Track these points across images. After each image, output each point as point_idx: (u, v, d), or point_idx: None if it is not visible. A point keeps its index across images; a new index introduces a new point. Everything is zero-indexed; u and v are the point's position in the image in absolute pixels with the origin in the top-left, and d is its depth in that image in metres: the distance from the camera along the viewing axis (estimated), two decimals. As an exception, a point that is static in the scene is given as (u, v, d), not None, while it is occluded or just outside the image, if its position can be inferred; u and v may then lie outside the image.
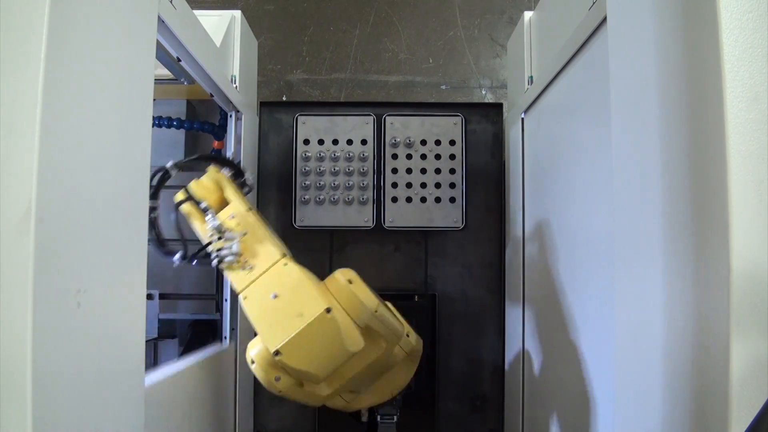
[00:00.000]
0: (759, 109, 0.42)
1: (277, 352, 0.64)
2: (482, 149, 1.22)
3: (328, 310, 0.65)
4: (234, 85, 1.05)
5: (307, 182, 1.16)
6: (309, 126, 1.17)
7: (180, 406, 0.78)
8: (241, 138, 1.07)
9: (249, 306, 0.69)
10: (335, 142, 1.17)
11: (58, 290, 0.46)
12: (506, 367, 1.17)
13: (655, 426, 0.52)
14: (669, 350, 0.50)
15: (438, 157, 1.16)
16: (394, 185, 1.16)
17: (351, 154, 1.16)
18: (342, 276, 0.72)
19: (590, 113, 0.74)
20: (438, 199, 1.16)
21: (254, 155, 1.18)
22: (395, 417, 0.96)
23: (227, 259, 0.72)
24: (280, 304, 0.68)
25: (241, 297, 0.70)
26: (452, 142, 1.17)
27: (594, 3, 0.69)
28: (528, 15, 1.07)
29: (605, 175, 0.65)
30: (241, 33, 1.07)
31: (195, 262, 0.75)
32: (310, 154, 1.17)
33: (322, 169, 1.16)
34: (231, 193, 0.79)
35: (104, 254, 0.53)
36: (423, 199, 1.16)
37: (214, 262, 0.72)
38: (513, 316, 1.12)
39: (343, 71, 1.53)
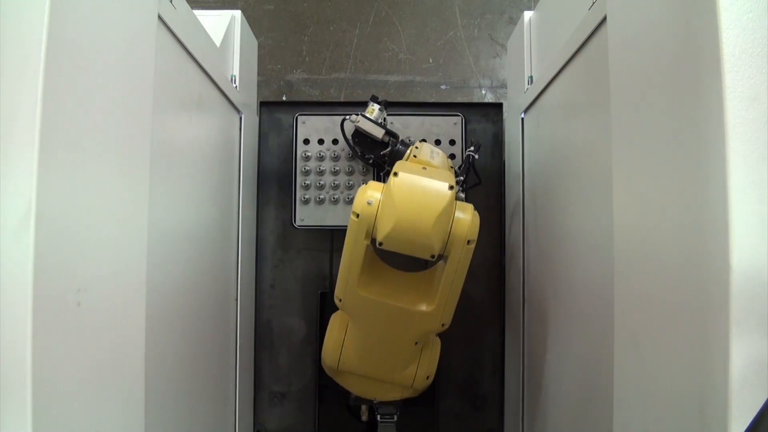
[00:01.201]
0: (759, 109, 0.42)
1: (396, 173, 0.72)
2: (482, 149, 1.22)
3: (450, 187, 0.72)
4: (234, 85, 1.05)
5: (307, 182, 1.16)
6: (309, 126, 1.17)
7: (180, 405, 0.78)
8: (241, 138, 1.07)
9: (401, 163, 0.78)
10: (335, 141, 1.17)
11: (58, 290, 0.46)
12: (506, 367, 1.17)
13: (654, 426, 0.52)
14: (668, 350, 0.50)
15: (438, 156, 1.16)
16: (394, 185, 1.16)
17: (351, 154, 1.16)
18: (473, 209, 0.78)
19: (590, 113, 0.74)
20: (438, 199, 1.16)
21: (254, 155, 1.18)
22: (395, 416, 0.96)
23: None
24: (425, 171, 0.75)
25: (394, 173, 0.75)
26: (452, 142, 1.17)
27: (594, 3, 0.69)
28: (528, 15, 1.07)
29: (605, 175, 0.64)
30: (241, 33, 1.07)
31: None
32: (310, 154, 1.17)
33: (322, 168, 1.16)
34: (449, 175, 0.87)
35: (104, 254, 0.53)
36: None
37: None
38: (513, 316, 1.12)
39: (343, 71, 1.53)
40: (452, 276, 0.77)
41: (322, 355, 0.89)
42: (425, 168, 0.76)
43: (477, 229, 0.76)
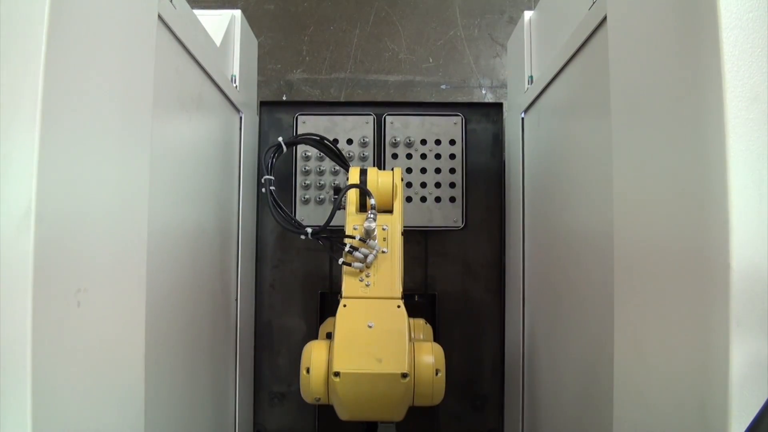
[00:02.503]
0: (759, 109, 0.42)
1: (337, 373, 0.64)
2: (482, 149, 1.22)
3: (404, 376, 0.64)
4: (234, 85, 1.05)
5: (307, 182, 1.16)
6: (309, 125, 1.17)
7: (180, 405, 0.78)
8: (241, 137, 1.07)
9: (343, 316, 0.68)
10: (335, 141, 1.17)
11: (58, 290, 0.46)
12: (506, 367, 1.17)
13: (654, 426, 0.52)
14: (668, 350, 0.50)
15: (438, 156, 1.16)
16: (394, 185, 1.16)
17: (351, 154, 1.16)
18: (433, 366, 0.69)
19: (590, 113, 0.74)
20: (438, 199, 1.16)
21: (254, 155, 1.18)
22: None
23: (355, 264, 0.71)
24: (370, 335, 0.67)
25: (342, 302, 0.69)
26: (452, 142, 1.17)
27: (594, 2, 0.69)
28: (528, 14, 1.07)
29: (605, 175, 0.64)
30: (241, 32, 1.07)
31: (320, 242, 0.75)
32: (310, 154, 1.17)
33: (322, 168, 1.16)
34: (398, 208, 0.78)
35: (104, 254, 0.53)
36: (423, 199, 1.16)
37: (341, 260, 0.72)
38: (513, 316, 1.12)
39: (343, 71, 1.53)
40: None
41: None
42: (370, 326, 0.67)
43: (441, 394, 0.69)
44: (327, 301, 1.20)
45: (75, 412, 0.49)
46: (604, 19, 0.65)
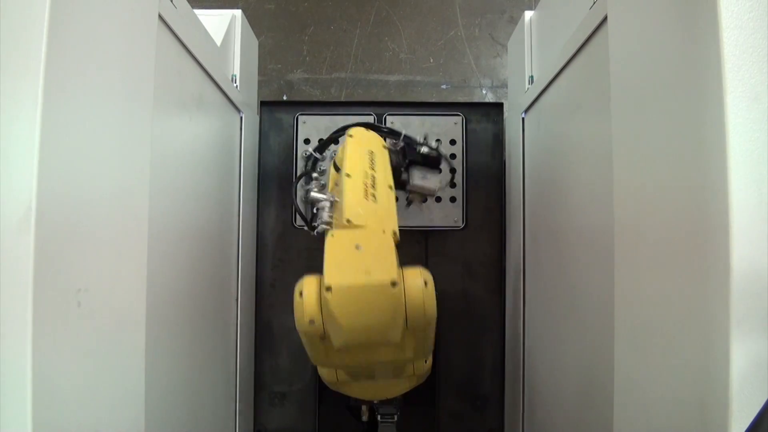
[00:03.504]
0: (759, 109, 0.42)
1: (329, 288, 0.64)
2: (483, 149, 1.22)
3: (393, 284, 0.64)
4: (234, 85, 1.05)
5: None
6: (309, 125, 1.17)
7: (180, 405, 0.78)
8: (241, 137, 1.07)
9: (331, 242, 0.69)
10: (336, 141, 1.16)
11: (58, 290, 0.46)
12: (506, 367, 1.17)
13: (654, 426, 0.52)
14: (669, 350, 0.50)
15: (438, 156, 1.16)
16: (395, 185, 1.16)
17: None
18: (421, 275, 0.70)
19: (591, 113, 0.74)
20: (438, 199, 1.16)
21: (255, 155, 1.18)
22: (395, 416, 0.96)
23: (323, 220, 0.74)
24: (358, 255, 0.67)
25: (329, 233, 0.70)
26: (453, 142, 1.17)
27: (594, 2, 0.69)
28: (528, 14, 1.07)
29: (606, 175, 0.64)
30: (242, 32, 1.07)
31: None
32: (310, 154, 1.17)
33: (322, 168, 1.16)
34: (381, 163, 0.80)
35: (104, 254, 0.53)
36: (423, 199, 1.16)
37: (318, 225, 0.75)
38: (513, 315, 1.12)
39: (343, 70, 1.53)
40: (422, 340, 0.73)
41: (319, 372, 0.89)
42: (358, 247, 0.68)
43: (434, 309, 0.69)
44: (327, 301, 1.20)
45: (75, 411, 0.49)
46: (605, 19, 0.65)
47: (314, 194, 0.76)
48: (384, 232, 0.71)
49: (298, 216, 0.77)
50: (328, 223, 0.75)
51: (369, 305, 0.64)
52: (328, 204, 0.75)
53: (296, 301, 0.68)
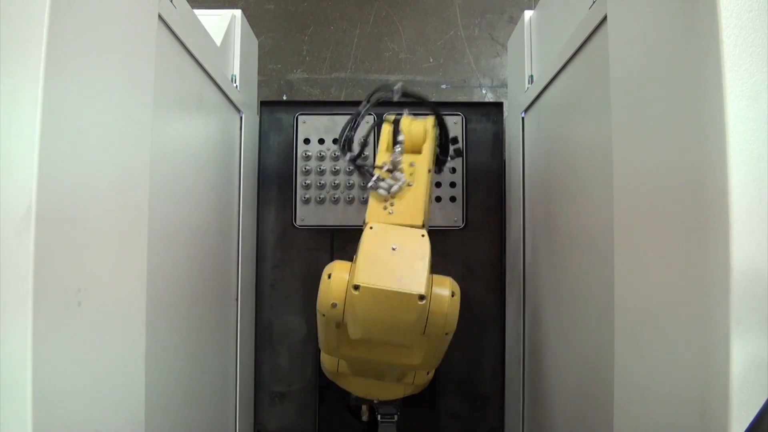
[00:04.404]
0: (759, 109, 0.42)
1: (357, 286, 0.64)
2: (482, 148, 1.22)
3: (421, 298, 0.64)
4: (234, 85, 1.05)
5: (307, 181, 1.16)
6: (309, 125, 1.17)
7: (180, 405, 0.78)
8: (241, 137, 1.07)
9: (368, 238, 0.69)
10: (336, 141, 1.17)
11: (58, 290, 0.46)
12: (506, 367, 1.17)
13: (655, 426, 0.52)
14: (669, 349, 0.50)
15: (438, 156, 1.16)
16: (395, 185, 1.15)
17: (351, 154, 1.16)
18: (450, 286, 0.70)
19: (591, 112, 0.74)
20: (438, 199, 1.16)
21: (254, 155, 1.18)
22: (395, 416, 0.96)
23: (380, 191, 0.75)
24: (393, 257, 0.67)
25: (367, 226, 0.71)
26: (452, 141, 1.16)
27: (594, 2, 0.69)
28: (528, 14, 1.07)
29: (606, 175, 0.64)
30: (242, 32, 1.07)
31: (354, 169, 0.84)
32: (310, 154, 1.17)
33: (322, 168, 1.16)
34: (428, 149, 0.82)
35: (104, 254, 0.53)
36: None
37: (370, 183, 0.76)
38: (513, 315, 1.12)
39: (343, 70, 1.53)
40: (434, 349, 0.73)
41: (321, 359, 0.89)
42: (394, 248, 0.67)
43: (455, 321, 0.69)
44: (327, 301, 1.20)
45: (75, 411, 0.49)
46: (605, 18, 0.65)
47: (396, 157, 0.78)
48: (423, 235, 0.71)
49: (344, 146, 0.78)
50: (383, 197, 0.76)
51: (393, 310, 0.64)
52: (397, 186, 0.76)
53: (323, 281, 0.68)
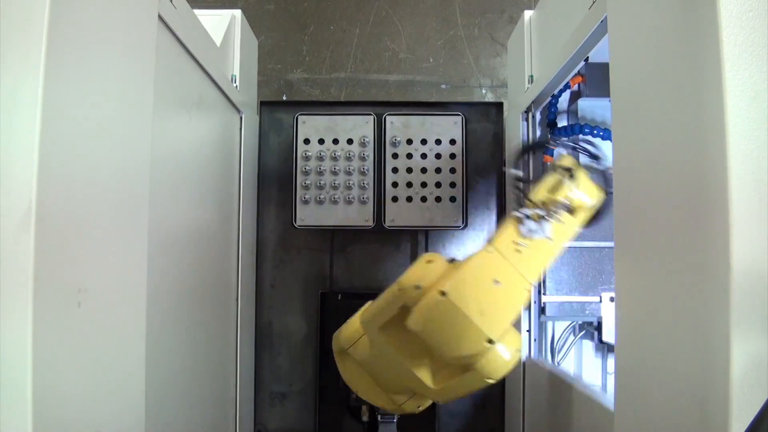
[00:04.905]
0: (759, 109, 0.42)
1: (443, 293, 0.64)
2: (482, 148, 1.22)
3: (489, 341, 0.64)
4: (234, 85, 1.05)
5: (307, 182, 1.16)
6: (309, 125, 1.17)
7: (180, 405, 0.78)
8: (241, 138, 1.07)
9: (482, 259, 0.69)
10: (335, 141, 1.17)
11: (58, 290, 0.46)
12: (506, 366, 1.17)
13: (655, 426, 0.52)
14: (669, 350, 0.50)
15: (438, 156, 1.16)
16: (395, 185, 1.16)
17: (351, 154, 1.16)
18: (518, 347, 0.69)
19: (590, 112, 0.74)
20: (438, 199, 1.16)
21: (254, 155, 1.18)
22: (395, 416, 0.96)
23: (521, 227, 0.72)
24: (490, 289, 0.67)
25: (489, 246, 0.70)
26: (452, 142, 1.16)
27: (594, 2, 0.69)
28: (528, 14, 1.07)
29: (605, 175, 0.65)
30: (242, 32, 1.07)
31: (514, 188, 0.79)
32: (310, 154, 1.17)
33: (322, 168, 1.16)
34: (584, 218, 0.77)
35: (104, 254, 0.53)
36: (423, 199, 1.16)
37: (518, 213, 0.73)
38: (513, 315, 1.12)
39: (343, 70, 1.53)
40: (459, 385, 0.71)
41: (341, 329, 0.87)
42: (496, 282, 0.67)
43: (500, 377, 0.68)
44: (327, 301, 1.20)
45: (75, 411, 0.49)
46: (605, 18, 0.65)
47: (545, 222, 0.73)
48: (528, 290, 0.70)
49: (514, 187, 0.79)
50: (520, 232, 0.72)
51: (460, 332, 0.64)
52: (539, 235, 0.72)
53: (420, 263, 0.69)
